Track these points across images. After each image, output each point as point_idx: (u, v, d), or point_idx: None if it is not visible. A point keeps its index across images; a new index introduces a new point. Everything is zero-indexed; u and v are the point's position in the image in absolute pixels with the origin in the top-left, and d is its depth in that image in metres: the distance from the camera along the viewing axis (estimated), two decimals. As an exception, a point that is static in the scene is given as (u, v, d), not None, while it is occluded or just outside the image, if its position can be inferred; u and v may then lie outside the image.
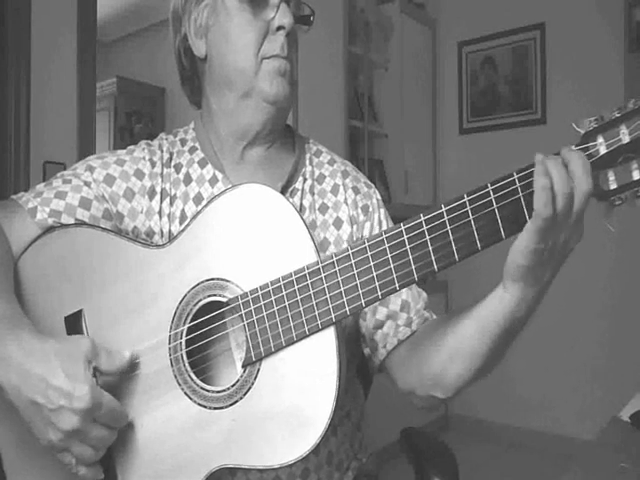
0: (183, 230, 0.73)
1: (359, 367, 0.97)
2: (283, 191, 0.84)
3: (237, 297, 0.68)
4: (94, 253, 0.76)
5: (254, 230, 0.69)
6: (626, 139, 0.56)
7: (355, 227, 0.86)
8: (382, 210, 0.90)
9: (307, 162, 0.89)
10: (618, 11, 2.67)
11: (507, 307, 0.63)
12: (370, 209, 0.88)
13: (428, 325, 0.81)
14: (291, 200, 0.82)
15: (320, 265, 0.65)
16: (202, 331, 0.71)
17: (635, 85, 2.62)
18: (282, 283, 0.66)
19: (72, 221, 0.79)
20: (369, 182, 0.93)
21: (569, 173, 0.56)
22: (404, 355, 0.81)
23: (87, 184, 0.82)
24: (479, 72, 3.13)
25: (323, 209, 0.86)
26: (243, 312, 0.68)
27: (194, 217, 0.72)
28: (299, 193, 0.85)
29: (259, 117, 0.82)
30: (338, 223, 0.86)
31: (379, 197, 0.91)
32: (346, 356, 0.80)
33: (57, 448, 0.64)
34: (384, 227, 0.88)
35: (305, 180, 0.87)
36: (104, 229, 0.77)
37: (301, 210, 0.84)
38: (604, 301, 2.68)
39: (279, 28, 0.78)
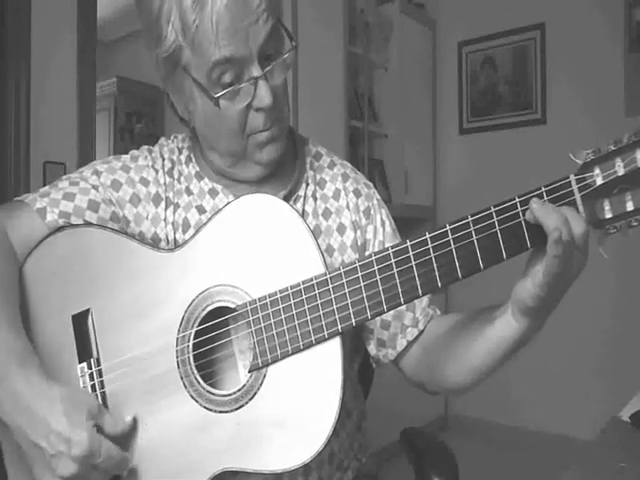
0: (192, 237, 0.73)
1: (360, 366, 0.97)
2: (285, 199, 0.83)
3: (246, 304, 0.69)
4: (103, 253, 0.76)
5: (262, 239, 0.70)
6: (621, 171, 0.59)
7: (359, 232, 0.87)
8: (383, 210, 0.90)
9: (308, 167, 0.89)
10: (618, 11, 2.67)
11: (516, 335, 0.67)
12: (372, 211, 0.89)
13: (440, 332, 0.82)
14: (297, 209, 0.82)
15: (328, 276, 0.66)
16: (209, 335, 0.71)
17: (635, 85, 2.62)
18: (290, 292, 0.67)
19: (81, 222, 0.79)
20: (368, 182, 0.93)
21: (567, 220, 0.59)
22: (414, 356, 0.84)
23: (94, 187, 0.82)
24: (479, 72, 3.13)
25: (326, 214, 0.86)
26: (251, 319, 0.69)
27: (203, 225, 0.73)
28: (301, 199, 0.85)
29: (253, 174, 0.82)
30: (341, 229, 0.86)
31: (379, 197, 0.92)
32: (349, 352, 0.81)
33: None
34: (386, 228, 0.89)
35: (307, 186, 0.87)
36: (113, 230, 0.78)
37: (303, 216, 0.84)
38: (604, 301, 2.68)
39: (259, 110, 0.74)
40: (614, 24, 2.67)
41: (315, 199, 0.87)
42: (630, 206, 0.59)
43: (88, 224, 0.79)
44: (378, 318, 0.83)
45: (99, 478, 0.64)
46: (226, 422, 0.68)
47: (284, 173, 0.86)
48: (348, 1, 2.61)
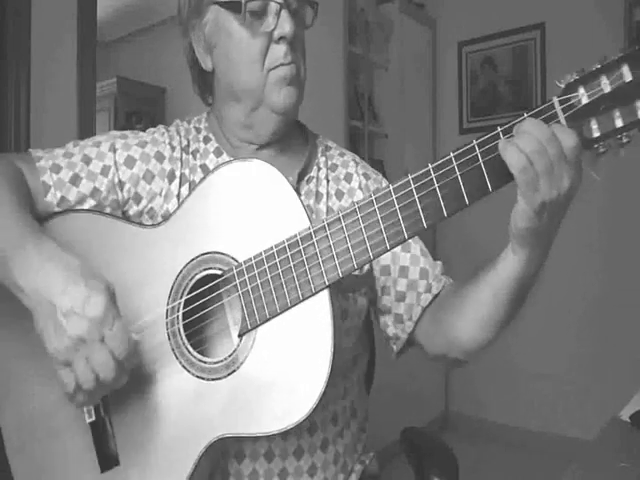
0: (178, 208, 0.74)
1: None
2: (300, 178, 0.86)
3: (232, 268, 0.69)
4: (92, 236, 0.77)
5: (247, 203, 0.70)
6: (607, 89, 0.57)
7: None
8: None
9: (319, 154, 0.92)
10: (618, 11, 2.66)
11: (517, 270, 0.65)
12: None
13: (448, 291, 0.82)
14: (290, 180, 0.83)
15: (311, 230, 0.66)
16: (198, 303, 0.71)
17: (635, 85, 2.62)
18: (275, 251, 0.67)
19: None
20: (376, 171, 0.97)
21: (554, 134, 0.57)
22: (428, 323, 0.83)
23: (104, 171, 0.82)
24: (479, 72, 3.12)
25: (339, 195, 0.89)
26: (238, 282, 0.68)
27: (187, 195, 0.74)
28: (314, 180, 0.88)
29: (269, 127, 0.84)
30: None
31: (387, 182, 0.93)
32: (358, 350, 0.80)
33: (61, 358, 0.61)
34: None
35: (320, 169, 0.89)
36: (101, 212, 0.79)
37: (318, 197, 0.86)
38: (605, 301, 2.68)
39: (280, 38, 0.78)
40: (614, 24, 2.67)
41: (327, 181, 0.89)
42: (619, 122, 0.56)
43: (76, 210, 0.80)
44: (393, 292, 0.84)
45: (103, 356, 0.61)
46: (220, 389, 0.68)
47: (297, 156, 0.89)
48: (348, 1, 2.61)
